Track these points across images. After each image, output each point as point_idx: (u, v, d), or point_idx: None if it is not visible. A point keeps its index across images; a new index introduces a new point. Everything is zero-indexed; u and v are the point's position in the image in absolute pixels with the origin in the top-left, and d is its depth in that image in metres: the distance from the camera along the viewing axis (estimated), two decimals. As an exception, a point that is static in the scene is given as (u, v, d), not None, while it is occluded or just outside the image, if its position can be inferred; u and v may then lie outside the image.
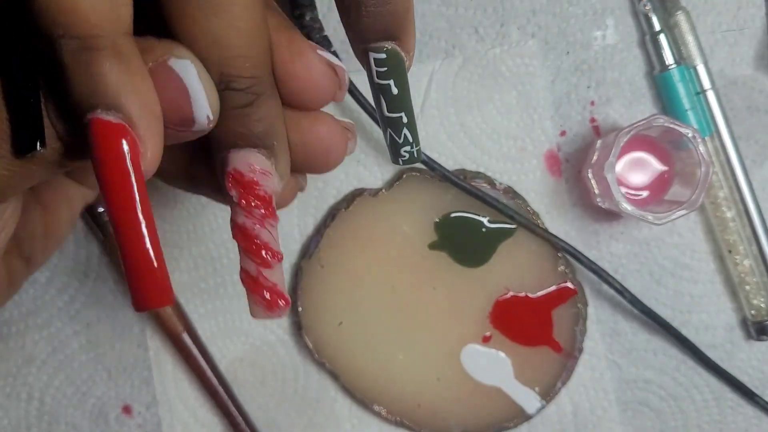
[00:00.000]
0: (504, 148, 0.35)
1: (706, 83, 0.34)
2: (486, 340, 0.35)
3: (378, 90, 0.21)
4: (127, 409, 0.35)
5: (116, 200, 0.17)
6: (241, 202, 0.19)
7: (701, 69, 0.34)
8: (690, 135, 0.31)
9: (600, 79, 0.35)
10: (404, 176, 0.34)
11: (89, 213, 0.34)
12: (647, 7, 0.34)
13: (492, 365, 0.34)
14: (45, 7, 0.16)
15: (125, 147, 0.17)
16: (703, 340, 0.35)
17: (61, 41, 0.17)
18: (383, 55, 0.20)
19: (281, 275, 0.20)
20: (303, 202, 0.35)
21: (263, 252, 0.19)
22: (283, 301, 0.20)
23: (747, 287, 0.34)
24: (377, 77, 0.21)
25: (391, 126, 0.22)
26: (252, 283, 0.20)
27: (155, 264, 0.18)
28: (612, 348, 0.35)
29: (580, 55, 0.35)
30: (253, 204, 0.19)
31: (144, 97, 0.17)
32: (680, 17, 0.33)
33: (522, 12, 0.34)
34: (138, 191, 0.17)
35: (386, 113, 0.21)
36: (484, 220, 0.34)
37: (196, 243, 0.35)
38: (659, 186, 0.34)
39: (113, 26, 0.17)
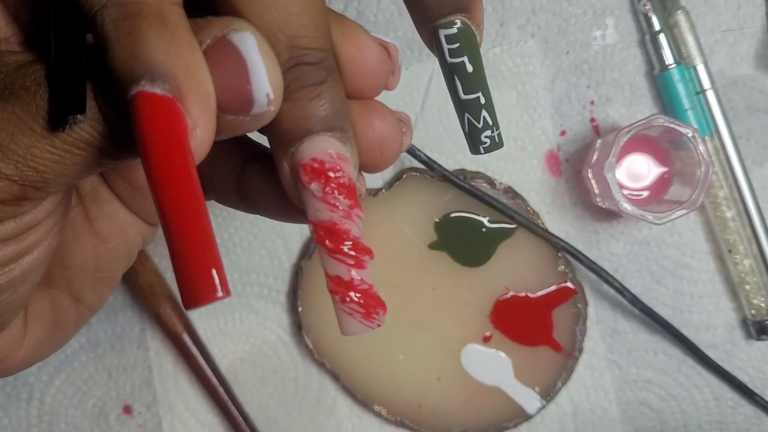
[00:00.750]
0: (504, 148, 0.35)
1: (706, 83, 0.34)
2: (486, 340, 0.35)
3: (452, 71, 0.20)
4: (127, 409, 0.35)
5: (165, 183, 0.15)
6: (325, 193, 0.17)
7: (701, 69, 0.34)
8: (690, 135, 0.31)
9: (600, 79, 0.35)
10: (404, 176, 0.34)
11: None
12: (647, 7, 0.34)
13: (492, 365, 0.34)
14: None
15: (173, 117, 0.15)
16: (704, 339, 0.35)
17: (103, 11, 0.15)
18: (455, 30, 0.19)
19: (372, 274, 0.17)
20: (303, 202, 0.35)
21: (355, 251, 0.17)
22: (381, 309, 0.17)
23: (747, 287, 0.34)
24: (450, 56, 0.19)
25: (468, 110, 0.20)
26: (345, 290, 0.17)
27: (214, 254, 0.15)
28: (612, 348, 0.35)
29: (580, 55, 0.35)
30: (338, 194, 0.17)
31: (193, 69, 0.15)
32: (680, 17, 0.33)
33: (522, 12, 0.34)
34: (192, 176, 0.15)
35: (462, 95, 0.20)
36: (484, 220, 0.34)
37: (197, 243, 0.35)
38: (659, 186, 0.34)
39: None
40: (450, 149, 0.35)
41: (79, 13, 0.16)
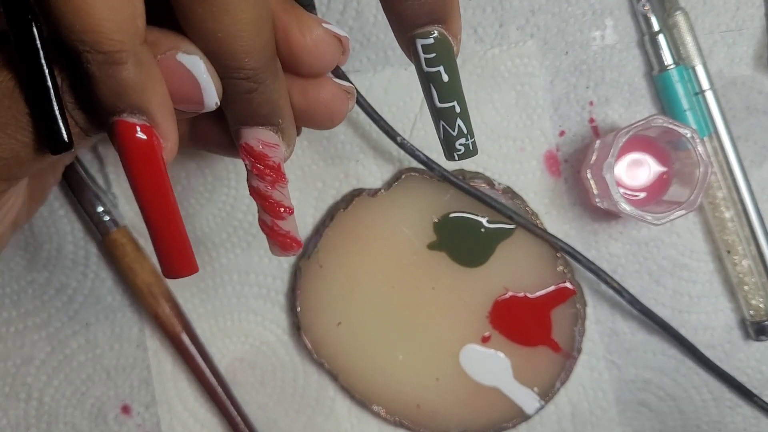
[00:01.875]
0: (503, 149, 0.35)
1: (705, 83, 0.34)
2: (485, 341, 0.35)
3: (428, 79, 0.21)
4: (126, 409, 0.35)
5: (148, 190, 0.20)
6: (253, 170, 0.22)
7: (700, 69, 0.34)
8: (689, 135, 0.31)
9: (599, 80, 0.35)
10: (403, 176, 0.34)
11: (87, 213, 0.34)
12: (646, 8, 0.34)
13: (491, 365, 0.34)
14: (70, 28, 0.18)
15: (152, 143, 0.20)
16: (702, 340, 0.35)
17: (87, 55, 0.19)
18: (431, 41, 0.20)
19: (294, 224, 0.23)
20: (302, 202, 0.35)
21: (278, 208, 0.23)
22: (296, 244, 0.23)
23: (746, 287, 0.34)
24: (426, 65, 0.21)
25: (443, 117, 0.21)
26: (269, 230, 0.23)
27: (184, 239, 0.21)
28: (611, 348, 0.35)
29: (579, 56, 0.35)
30: (264, 172, 0.22)
31: (162, 98, 0.20)
32: (679, 17, 0.33)
33: (521, 12, 0.34)
34: (165, 180, 0.21)
35: (438, 104, 0.21)
36: (483, 221, 0.34)
37: (194, 244, 0.35)
38: (658, 186, 0.34)
39: (133, 39, 0.19)
40: (449, 149, 0.35)
41: (57, 44, 0.19)
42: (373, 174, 0.35)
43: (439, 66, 0.21)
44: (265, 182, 0.22)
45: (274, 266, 0.35)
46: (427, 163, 0.33)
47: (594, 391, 0.35)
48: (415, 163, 0.34)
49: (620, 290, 0.34)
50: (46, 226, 0.35)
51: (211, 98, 0.20)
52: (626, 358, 0.35)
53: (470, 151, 0.22)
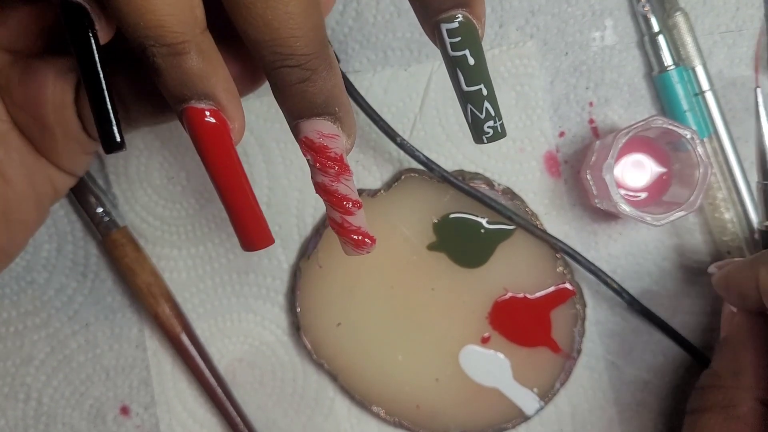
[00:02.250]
0: (503, 149, 0.35)
1: (705, 84, 0.34)
2: (485, 341, 0.35)
3: (454, 64, 0.21)
4: (125, 410, 0.35)
5: (221, 170, 0.21)
6: (316, 164, 0.22)
7: (700, 70, 0.34)
8: (688, 136, 0.31)
9: (599, 80, 0.35)
10: (403, 177, 0.34)
11: (87, 214, 0.34)
12: (646, 8, 0.34)
13: (491, 366, 0.34)
14: (135, 26, 0.19)
15: (221, 126, 0.21)
16: (702, 340, 0.35)
17: (153, 49, 0.20)
18: (456, 25, 0.20)
19: (363, 219, 0.22)
20: (302, 202, 0.35)
21: (344, 203, 0.22)
22: (369, 240, 0.23)
23: (745, 288, 0.34)
24: (452, 49, 0.21)
25: (471, 101, 0.22)
26: (339, 228, 0.22)
27: (259, 214, 0.22)
28: (610, 349, 0.35)
29: (578, 56, 0.35)
30: (327, 164, 0.22)
31: (225, 82, 0.21)
32: (679, 18, 0.33)
33: (521, 13, 0.34)
34: (237, 160, 0.22)
35: (465, 87, 0.21)
36: (483, 221, 0.34)
37: (195, 243, 0.35)
38: (658, 187, 0.34)
39: (194, 29, 0.20)
40: (449, 150, 0.35)
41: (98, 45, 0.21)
42: (373, 174, 0.35)
43: (464, 50, 0.21)
44: (328, 176, 0.22)
45: (274, 266, 0.35)
46: (427, 163, 0.33)
47: (594, 391, 0.35)
48: (414, 164, 0.34)
49: (620, 291, 0.34)
50: (45, 227, 0.35)
51: None
52: (626, 358, 0.35)
53: (498, 134, 0.22)
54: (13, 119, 0.25)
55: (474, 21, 0.20)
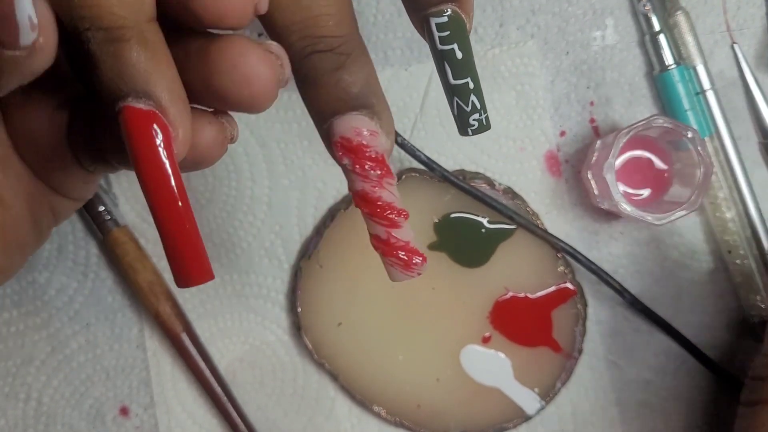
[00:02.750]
0: (503, 149, 0.35)
1: (706, 83, 0.34)
2: (486, 341, 0.34)
3: (442, 57, 0.20)
4: (124, 410, 0.35)
5: (154, 185, 0.18)
6: (355, 168, 0.19)
7: (701, 69, 0.34)
8: (690, 135, 0.31)
9: (599, 80, 0.35)
10: (403, 177, 0.34)
11: (89, 213, 0.34)
12: (647, 8, 0.34)
13: (491, 366, 0.34)
14: (69, 3, 0.17)
15: (158, 132, 0.17)
16: (703, 340, 0.35)
17: (88, 33, 0.17)
18: (445, 19, 0.20)
19: (411, 232, 0.20)
20: (303, 202, 0.35)
21: (388, 213, 0.19)
22: (420, 259, 0.20)
23: (747, 288, 0.34)
24: (440, 43, 0.20)
25: (457, 94, 0.21)
26: (384, 246, 0.19)
27: (197, 243, 0.19)
28: (612, 348, 0.35)
29: (579, 56, 0.35)
30: (367, 167, 0.19)
31: (171, 82, 0.18)
32: (680, 17, 0.33)
33: (521, 12, 0.34)
34: (173, 174, 0.18)
35: (452, 81, 0.21)
36: (484, 221, 0.34)
37: (195, 243, 0.35)
38: (659, 186, 0.34)
39: (138, 15, 0.17)
40: (449, 150, 0.35)
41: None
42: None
43: (453, 44, 0.20)
44: (370, 181, 0.19)
45: (275, 266, 0.35)
46: (428, 163, 0.33)
47: (595, 391, 0.35)
48: (415, 164, 0.34)
49: (621, 290, 0.34)
50: (46, 226, 0.35)
51: (24, 10, 0.16)
52: (627, 358, 0.35)
53: (483, 126, 0.22)
54: (14, 144, 0.23)
55: (463, 16, 0.20)
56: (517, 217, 0.34)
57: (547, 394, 0.35)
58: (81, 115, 0.22)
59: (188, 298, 0.35)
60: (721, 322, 0.35)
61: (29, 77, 0.18)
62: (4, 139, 0.23)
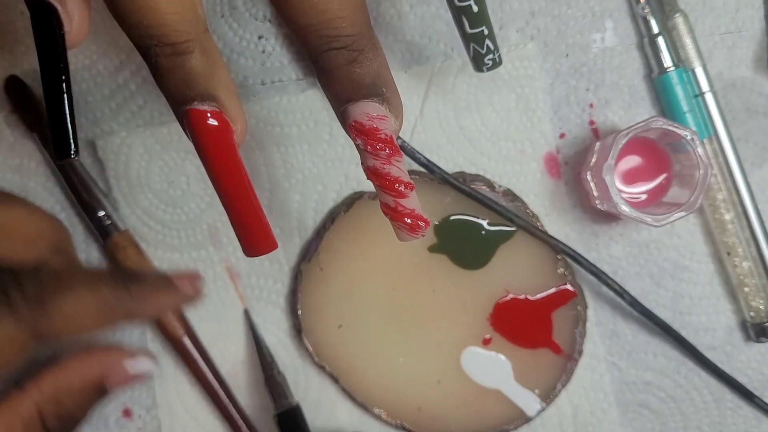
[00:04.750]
0: (503, 151, 0.35)
1: (705, 86, 0.34)
2: (486, 343, 0.35)
3: (459, 12, 0.24)
4: (127, 413, 0.35)
5: (225, 174, 0.21)
6: (367, 148, 0.21)
7: (699, 71, 0.34)
8: (688, 137, 0.31)
9: (599, 82, 0.35)
10: (404, 179, 0.34)
11: (90, 217, 0.34)
12: (645, 10, 0.34)
13: (492, 367, 0.34)
14: (138, 25, 0.19)
15: (223, 129, 0.21)
16: (703, 341, 0.35)
17: (156, 49, 0.20)
18: None
19: (416, 201, 0.22)
20: (303, 205, 0.35)
21: (396, 185, 0.22)
22: (423, 223, 0.22)
23: (746, 289, 0.34)
24: (458, 0, 0.24)
25: (473, 41, 0.25)
26: (393, 213, 0.22)
27: (263, 218, 0.22)
28: (612, 350, 0.35)
29: (579, 58, 0.35)
30: (378, 147, 0.21)
31: (227, 82, 0.21)
32: (678, 20, 0.34)
33: (521, 14, 0.35)
34: (240, 162, 0.21)
35: (468, 30, 0.25)
36: (484, 223, 0.34)
37: (196, 247, 0.35)
38: (658, 188, 0.34)
39: (197, 28, 0.20)
40: (449, 152, 0.35)
41: (62, 50, 0.21)
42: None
43: (469, 0, 0.24)
44: (380, 159, 0.21)
45: (275, 269, 0.35)
46: (428, 165, 0.33)
47: (595, 392, 0.35)
48: (415, 166, 0.34)
49: (621, 292, 0.34)
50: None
51: None
52: (627, 359, 0.35)
53: (496, 63, 0.27)
54: None
55: None
56: (517, 219, 0.34)
57: (548, 396, 0.35)
58: None
59: (189, 301, 0.35)
60: (720, 323, 0.35)
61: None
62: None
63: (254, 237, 0.22)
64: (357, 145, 0.22)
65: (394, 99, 0.22)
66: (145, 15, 0.19)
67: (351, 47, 0.21)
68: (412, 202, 0.22)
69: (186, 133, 0.21)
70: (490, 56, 0.26)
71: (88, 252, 0.35)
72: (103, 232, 0.34)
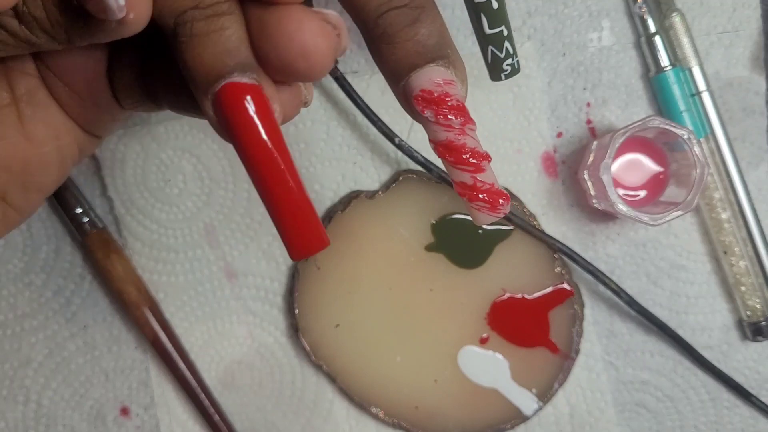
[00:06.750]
0: (501, 150, 0.35)
1: (702, 85, 0.34)
2: (483, 342, 0.35)
3: (478, 9, 0.22)
4: (125, 411, 0.35)
5: (270, 160, 0.18)
6: (438, 118, 0.19)
7: (696, 71, 0.34)
8: (685, 136, 0.31)
9: (596, 81, 0.35)
10: (401, 178, 0.34)
11: (68, 215, 0.34)
12: (642, 9, 0.34)
13: (489, 367, 0.35)
14: None
15: (269, 103, 0.18)
16: (700, 341, 0.35)
17: (193, 12, 0.17)
18: None
19: (493, 174, 0.20)
20: (300, 204, 0.35)
21: (473, 159, 0.19)
22: (503, 199, 0.20)
23: (742, 288, 0.34)
24: None
25: (492, 42, 0.22)
26: (471, 192, 0.19)
27: (313, 210, 0.18)
28: (608, 349, 0.35)
29: (576, 57, 0.35)
30: (450, 117, 0.19)
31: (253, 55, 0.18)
32: (675, 19, 0.34)
33: (518, 14, 0.35)
34: (283, 143, 0.18)
35: (487, 30, 0.22)
36: (481, 222, 0.34)
37: (192, 246, 0.35)
38: (655, 187, 0.34)
39: None
40: (446, 151, 0.35)
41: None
42: (371, 176, 0.35)
43: None
44: (454, 130, 0.19)
45: (272, 268, 0.35)
46: (425, 164, 0.33)
47: (592, 392, 0.35)
48: (412, 165, 0.34)
49: (618, 291, 0.34)
50: (44, 228, 0.35)
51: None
52: (624, 359, 0.35)
53: (515, 70, 0.23)
54: (45, 78, 0.22)
55: None
56: (514, 218, 0.34)
57: (545, 395, 0.35)
58: (128, 55, 0.22)
59: (186, 301, 0.35)
60: (716, 322, 0.35)
61: (115, 38, 0.18)
62: (31, 70, 0.22)
63: (305, 234, 0.18)
64: (424, 119, 0.19)
65: (459, 62, 0.20)
66: None
67: (412, 5, 0.19)
68: (491, 175, 0.20)
69: (215, 119, 0.18)
70: (509, 61, 0.23)
71: (84, 250, 0.35)
72: (81, 229, 0.34)
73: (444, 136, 0.19)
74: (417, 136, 0.35)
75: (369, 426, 0.35)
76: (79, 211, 0.33)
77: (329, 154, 0.35)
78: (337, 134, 0.35)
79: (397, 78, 0.19)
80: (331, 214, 0.34)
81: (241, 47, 0.18)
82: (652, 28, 0.34)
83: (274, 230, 0.35)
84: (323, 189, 0.35)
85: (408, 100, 0.19)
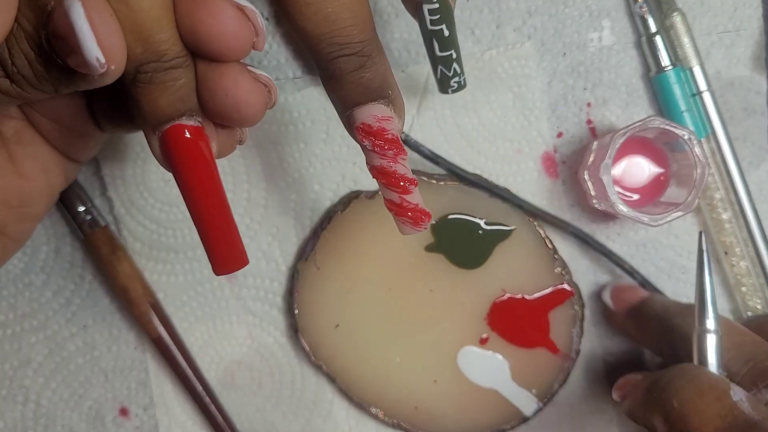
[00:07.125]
0: (501, 150, 0.35)
1: (702, 85, 0.34)
2: (483, 342, 0.35)
3: (431, 35, 0.25)
4: (124, 411, 0.35)
5: (205, 189, 0.21)
6: (374, 148, 0.22)
7: (697, 71, 0.34)
8: (686, 137, 0.31)
9: (596, 81, 0.35)
10: (401, 178, 0.34)
11: (70, 213, 0.34)
12: (643, 9, 0.34)
13: (489, 367, 0.34)
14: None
15: (208, 143, 0.21)
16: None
17: (153, 65, 0.19)
18: (436, 5, 0.24)
19: (419, 196, 0.23)
20: (299, 204, 0.35)
21: (401, 183, 0.23)
22: (426, 217, 0.23)
23: (743, 289, 0.34)
24: (430, 24, 0.25)
25: (442, 63, 0.27)
26: (397, 208, 0.23)
27: (236, 234, 0.22)
28: (609, 349, 0.35)
29: (576, 57, 0.35)
30: (385, 147, 0.22)
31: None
32: (676, 19, 0.33)
33: (518, 13, 0.34)
34: (219, 177, 0.22)
35: (438, 53, 0.26)
36: (481, 222, 0.34)
37: (192, 247, 0.35)
38: (655, 187, 0.34)
39: (178, 46, 0.20)
40: (446, 151, 0.35)
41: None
42: (371, 176, 0.35)
43: (441, 24, 0.25)
44: (387, 158, 0.22)
45: (272, 269, 0.35)
46: (432, 158, 0.34)
47: (592, 392, 0.35)
48: (412, 165, 0.34)
49: (632, 272, 0.34)
50: (44, 228, 0.35)
51: (90, 51, 0.18)
52: (624, 359, 0.35)
53: (461, 86, 0.28)
54: (28, 117, 0.25)
55: (450, 1, 0.24)
56: (525, 204, 0.34)
57: (545, 396, 0.35)
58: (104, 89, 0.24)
59: (186, 301, 0.35)
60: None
61: (98, 86, 0.20)
62: (15, 113, 0.25)
63: (228, 254, 0.22)
64: (364, 146, 0.22)
65: (398, 100, 0.23)
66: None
67: (360, 53, 0.21)
68: (416, 197, 0.23)
69: (161, 156, 0.21)
70: (456, 79, 0.27)
71: (83, 249, 0.35)
72: (83, 228, 0.34)
73: (378, 162, 0.23)
74: (417, 136, 0.35)
75: (368, 426, 0.35)
76: (81, 209, 0.33)
77: (329, 154, 0.35)
78: (337, 134, 0.35)
79: (343, 109, 0.22)
80: (331, 215, 0.34)
81: (192, 95, 0.20)
82: (653, 28, 0.34)
83: (274, 231, 0.35)
84: (323, 189, 0.35)
85: (350, 129, 0.22)
